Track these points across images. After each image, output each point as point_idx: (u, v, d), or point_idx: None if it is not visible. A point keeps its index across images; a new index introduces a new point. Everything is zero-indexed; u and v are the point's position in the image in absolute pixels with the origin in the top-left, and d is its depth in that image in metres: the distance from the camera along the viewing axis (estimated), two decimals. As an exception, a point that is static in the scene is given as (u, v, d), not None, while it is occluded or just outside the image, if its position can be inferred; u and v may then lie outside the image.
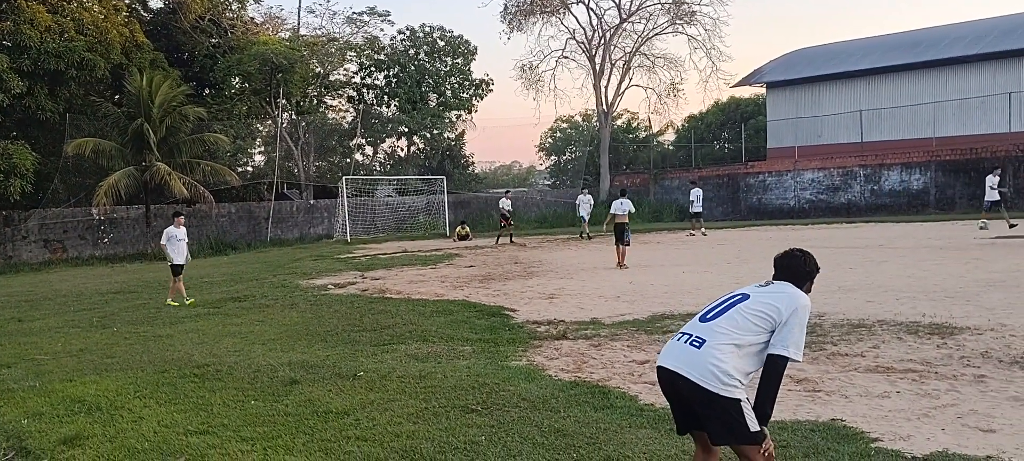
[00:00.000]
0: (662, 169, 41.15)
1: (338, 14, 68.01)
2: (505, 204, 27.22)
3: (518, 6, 40.73)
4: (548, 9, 40.71)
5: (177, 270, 13.76)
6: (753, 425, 3.54)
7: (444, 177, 36.74)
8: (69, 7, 27.08)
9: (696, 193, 26.95)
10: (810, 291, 3.85)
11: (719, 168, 38.29)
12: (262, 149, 41.81)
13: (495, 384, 6.66)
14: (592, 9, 40.76)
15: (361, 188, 34.77)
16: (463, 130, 45.50)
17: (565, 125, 49.99)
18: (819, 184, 33.63)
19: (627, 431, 5.33)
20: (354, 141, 41.80)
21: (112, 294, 15.59)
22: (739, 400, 3.54)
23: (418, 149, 43.93)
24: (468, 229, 29.98)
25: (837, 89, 36.02)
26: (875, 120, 34.49)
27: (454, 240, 28.92)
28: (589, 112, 47.52)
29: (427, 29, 42.82)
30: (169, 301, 13.49)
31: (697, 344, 3.66)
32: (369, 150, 44.13)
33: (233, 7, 35.26)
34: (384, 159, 44.78)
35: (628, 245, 17.08)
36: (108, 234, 27.67)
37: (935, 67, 32.98)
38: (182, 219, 14.35)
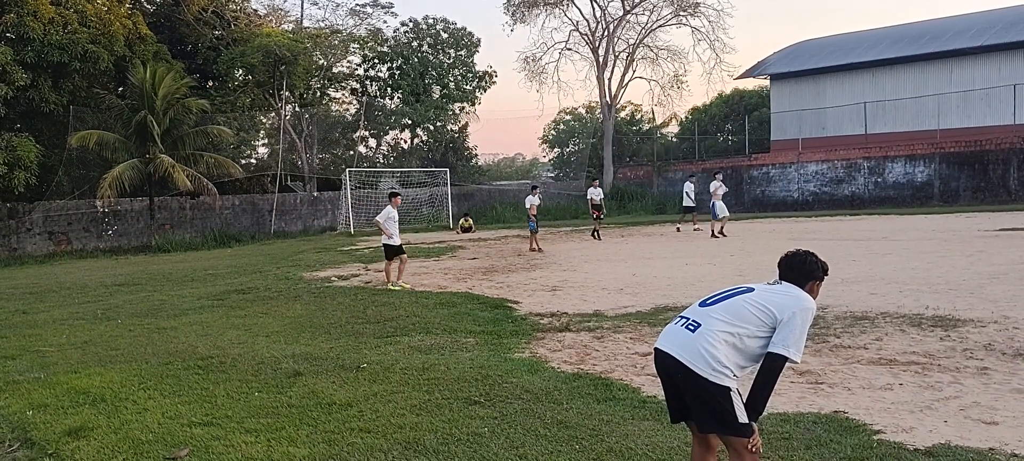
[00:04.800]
0: (666, 161, 41.09)
1: (341, 6, 67.99)
2: (595, 193, 24.32)
3: (521, -2, 40.63)
4: (551, 1, 40.60)
5: (397, 251, 13.58)
6: (742, 416, 3.51)
7: (447, 169, 36.71)
8: (72, -1, 27.09)
9: (689, 187, 25.30)
10: (817, 293, 3.81)
11: (723, 160, 38.21)
12: (265, 141, 41.78)
13: (498, 376, 6.67)
14: (595, 1, 40.68)
15: (364, 180, 34.76)
16: (466, 122, 45.49)
17: (568, 117, 49.91)
18: (823, 176, 33.57)
19: (630, 423, 5.35)
20: (357, 133, 41.76)
21: (116, 286, 15.63)
22: (729, 389, 3.51)
23: (421, 141, 43.90)
24: (471, 221, 29.99)
25: (841, 81, 35.91)
26: (879, 112, 34.40)
27: (457, 233, 28.93)
28: (592, 104, 47.43)
29: (430, 21, 42.74)
30: (404, 284, 13.28)
31: (692, 328, 3.64)
32: (372, 142, 44.11)
33: (236, -1, 35.25)
34: (387, 151, 44.76)
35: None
36: (112, 226, 27.72)
37: (939, 59, 32.85)
38: (399, 199, 14.14)
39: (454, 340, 8.53)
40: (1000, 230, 18.55)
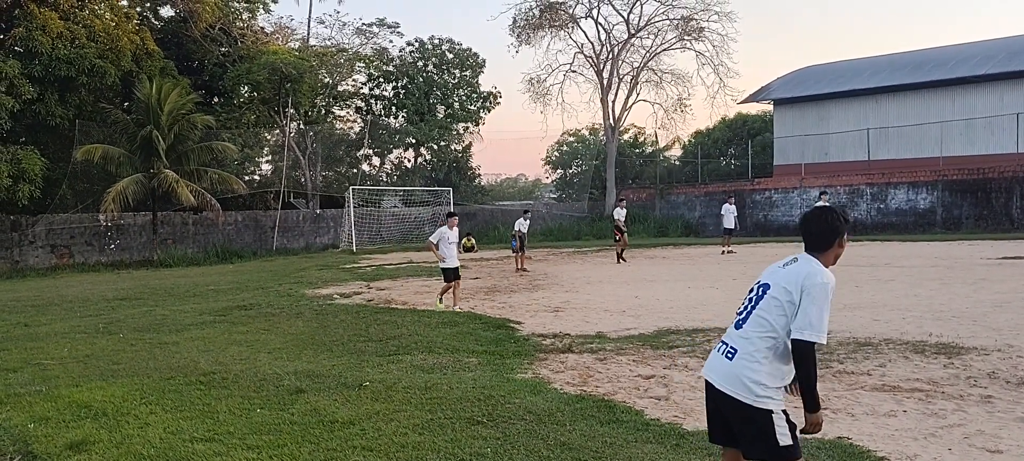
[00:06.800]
0: (668, 184, 41.16)
1: (348, 25, 68.20)
2: (620, 214, 23.32)
3: (527, 20, 40.90)
4: (557, 23, 40.85)
5: (454, 274, 13.36)
6: (784, 439, 3.47)
7: (450, 189, 36.79)
8: (81, 14, 27.28)
9: (729, 209, 25.31)
10: (840, 252, 3.71)
11: (725, 184, 38.26)
12: (269, 158, 41.98)
13: (501, 396, 6.66)
14: (601, 24, 40.94)
15: (367, 198, 34.85)
16: (470, 142, 45.65)
17: (572, 139, 50.08)
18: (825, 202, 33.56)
19: (633, 446, 5.33)
20: (361, 151, 41.93)
21: (118, 300, 15.63)
22: (771, 412, 3.48)
23: (425, 160, 44.04)
24: (474, 241, 29.93)
25: (844, 107, 36.02)
26: (882, 139, 34.48)
27: (459, 252, 28.89)
28: (596, 126, 47.63)
29: (436, 41, 43.03)
30: (455, 307, 12.99)
31: (730, 355, 3.64)
32: (376, 161, 44.29)
33: (243, 17, 35.47)
34: (391, 170, 44.90)
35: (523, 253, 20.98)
36: (115, 240, 27.76)
37: (942, 87, 32.96)
38: (456, 220, 13.94)
39: (457, 360, 8.51)
40: (1003, 258, 18.53)
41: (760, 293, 3.68)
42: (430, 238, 13.81)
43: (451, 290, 13.45)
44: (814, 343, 3.44)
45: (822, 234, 3.68)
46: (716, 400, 3.66)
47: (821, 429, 3.56)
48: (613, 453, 5.17)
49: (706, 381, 3.74)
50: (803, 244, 3.76)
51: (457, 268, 13.52)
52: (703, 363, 8.21)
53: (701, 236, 35.56)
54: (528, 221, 21.59)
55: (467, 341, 9.67)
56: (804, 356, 3.45)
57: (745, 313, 3.71)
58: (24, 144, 25.61)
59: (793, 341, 3.47)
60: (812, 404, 3.49)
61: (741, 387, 3.51)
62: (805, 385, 3.48)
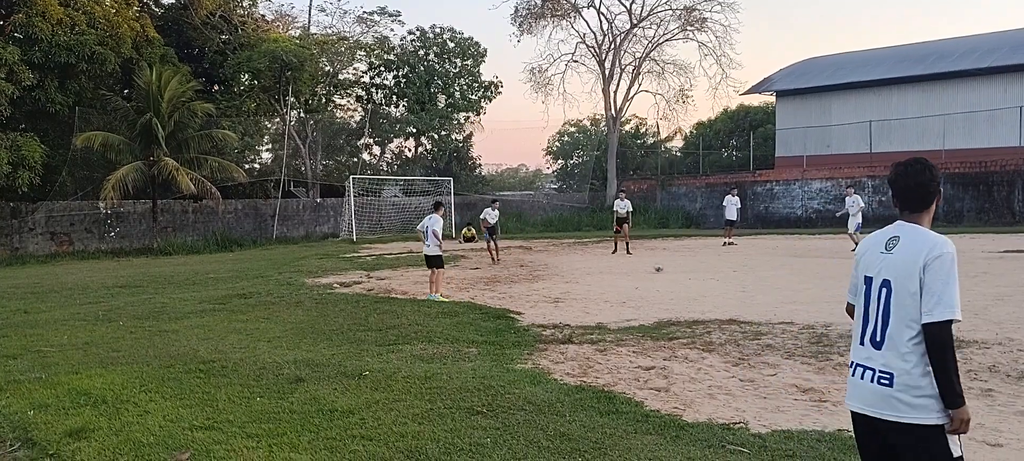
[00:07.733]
0: (669, 175, 41.11)
1: (349, 13, 68.13)
2: (621, 206, 22.45)
3: (529, 9, 40.81)
4: (559, 13, 40.75)
5: (441, 261, 13.44)
6: (956, 450, 3.06)
7: (451, 178, 36.75)
8: (81, 1, 27.17)
9: (732, 200, 25.27)
10: (935, 209, 3.30)
11: (727, 176, 38.24)
12: (270, 146, 41.93)
13: (500, 387, 6.65)
14: (603, 14, 40.84)
15: (368, 188, 34.80)
16: (471, 132, 45.58)
17: (573, 129, 50.02)
18: (827, 194, 33.55)
19: (632, 437, 5.32)
20: (362, 140, 41.86)
21: (118, 288, 15.62)
22: (942, 426, 3.05)
23: (426, 150, 43.97)
24: (474, 231, 29.94)
25: (846, 99, 35.96)
26: (884, 131, 34.42)
27: (460, 242, 28.90)
28: (597, 116, 47.56)
29: (437, 30, 42.87)
30: (442, 296, 13.02)
31: (886, 380, 3.12)
32: (376, 150, 44.20)
33: (244, 4, 35.33)
34: (391, 159, 44.84)
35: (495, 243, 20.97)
36: (114, 228, 27.75)
37: (945, 80, 32.90)
38: (442, 209, 14.16)
39: (456, 350, 8.51)
40: (1004, 252, 18.51)
41: (886, 297, 3.19)
42: (436, 229, 13.60)
43: (439, 277, 13.47)
44: (947, 322, 3.03)
45: (923, 189, 3.25)
46: (881, 433, 3.16)
47: (969, 427, 3.05)
48: (613, 444, 5.16)
49: (863, 418, 3.21)
50: (898, 207, 3.31)
51: (440, 256, 13.60)
52: (702, 354, 8.21)
53: (702, 227, 35.55)
54: (497, 212, 21.33)
55: (467, 331, 9.67)
56: (936, 340, 3.02)
57: (882, 325, 3.19)
58: (24, 131, 25.53)
59: (923, 326, 3.05)
60: (953, 398, 2.99)
61: (920, 409, 3.04)
62: (941, 375, 3.00)
